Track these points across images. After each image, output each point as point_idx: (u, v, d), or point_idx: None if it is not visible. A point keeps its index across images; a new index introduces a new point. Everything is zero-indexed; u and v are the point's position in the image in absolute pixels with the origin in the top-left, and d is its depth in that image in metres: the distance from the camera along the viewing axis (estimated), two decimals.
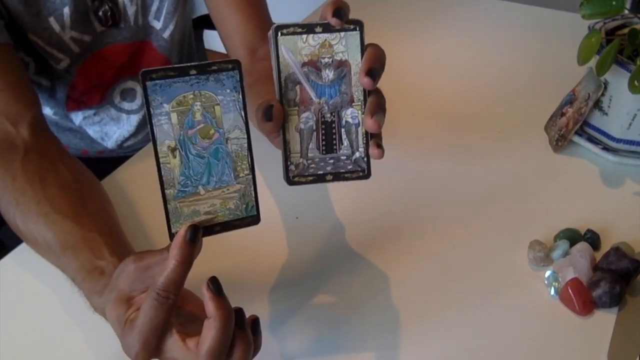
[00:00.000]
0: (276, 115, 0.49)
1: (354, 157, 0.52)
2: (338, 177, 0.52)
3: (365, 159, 0.52)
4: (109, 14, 0.81)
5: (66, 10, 0.77)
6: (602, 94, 0.77)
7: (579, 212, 0.70)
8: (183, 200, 0.46)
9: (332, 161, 0.52)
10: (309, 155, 0.52)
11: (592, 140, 0.80)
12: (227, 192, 0.48)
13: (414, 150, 0.81)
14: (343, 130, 0.52)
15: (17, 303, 0.62)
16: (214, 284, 0.45)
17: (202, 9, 1.08)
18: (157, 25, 0.87)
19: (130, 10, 0.83)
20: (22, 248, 0.65)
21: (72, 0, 0.77)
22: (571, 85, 0.84)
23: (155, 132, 0.45)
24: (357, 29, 0.50)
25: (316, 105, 0.51)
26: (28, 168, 0.63)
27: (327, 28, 0.49)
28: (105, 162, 0.87)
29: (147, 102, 0.44)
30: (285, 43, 0.49)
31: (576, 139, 0.80)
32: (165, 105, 0.45)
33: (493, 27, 1.11)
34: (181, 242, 0.45)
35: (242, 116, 0.47)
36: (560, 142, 0.80)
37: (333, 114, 0.51)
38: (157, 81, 0.44)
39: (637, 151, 0.78)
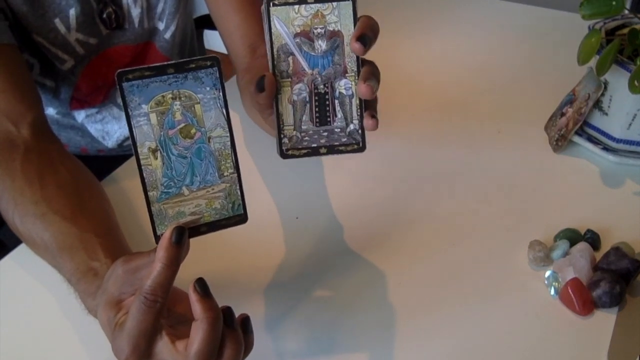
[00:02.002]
0: (269, 85, 0.49)
1: (348, 130, 0.51)
2: (332, 150, 0.52)
3: (360, 131, 0.51)
4: (113, 16, 0.81)
5: (72, 12, 0.77)
6: (602, 94, 0.77)
7: (579, 212, 0.70)
8: (167, 201, 0.46)
9: (326, 134, 0.51)
10: (303, 127, 0.51)
11: (592, 140, 0.80)
12: (212, 192, 0.47)
13: (414, 150, 0.81)
14: (337, 101, 0.51)
15: (17, 303, 0.62)
16: (201, 286, 0.45)
17: (201, 9, 1.08)
18: (160, 26, 0.87)
19: (135, 12, 0.83)
20: (22, 248, 0.65)
21: (78, 2, 0.77)
22: (571, 85, 0.84)
23: (134, 133, 0.44)
24: None
25: (309, 76, 0.50)
26: (28, 168, 0.63)
27: None
28: (105, 161, 0.87)
29: (124, 104, 0.43)
30: (277, 14, 0.49)
31: (576, 139, 0.80)
32: (143, 105, 0.44)
33: (493, 27, 1.11)
34: (167, 245, 0.44)
35: (223, 114, 0.46)
36: (560, 142, 0.80)
37: (326, 85, 0.51)
38: (133, 82, 0.43)
39: (637, 151, 0.78)
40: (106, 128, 0.93)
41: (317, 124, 0.51)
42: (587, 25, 0.78)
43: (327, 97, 0.51)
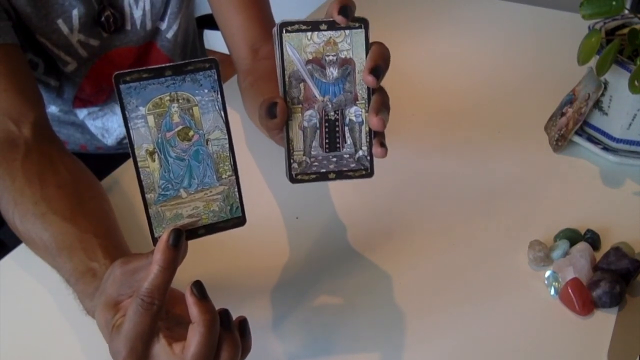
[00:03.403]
0: (280, 113, 0.49)
1: (357, 156, 0.52)
2: (341, 175, 0.52)
3: (369, 157, 0.52)
4: (111, 19, 0.81)
5: (75, 13, 0.77)
6: (602, 94, 0.77)
7: (579, 212, 0.70)
8: (165, 204, 0.46)
9: (335, 159, 0.52)
10: (312, 153, 0.51)
11: (592, 140, 0.80)
12: (210, 195, 0.47)
13: (414, 150, 0.81)
14: (346, 128, 0.51)
15: (17, 303, 0.62)
16: (197, 288, 0.45)
17: (202, 9, 1.08)
18: (162, 25, 0.87)
19: (137, 14, 0.83)
20: (22, 248, 0.65)
21: (81, 3, 0.77)
22: (571, 85, 0.84)
23: (132, 135, 0.44)
24: (362, 27, 0.49)
25: (320, 103, 0.51)
26: (28, 168, 0.63)
27: (332, 26, 0.49)
28: (105, 159, 0.87)
29: (122, 106, 0.43)
30: (290, 40, 0.49)
31: (576, 139, 0.80)
32: (141, 108, 0.44)
33: (493, 27, 1.11)
34: (164, 247, 0.44)
35: (221, 116, 0.46)
36: (560, 142, 0.80)
37: (337, 112, 0.51)
38: (131, 84, 0.43)
39: (637, 151, 0.78)
40: (106, 125, 0.93)
41: (327, 150, 0.52)
42: (587, 25, 0.78)
43: (337, 123, 0.51)
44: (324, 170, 0.52)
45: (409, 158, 0.80)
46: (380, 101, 0.50)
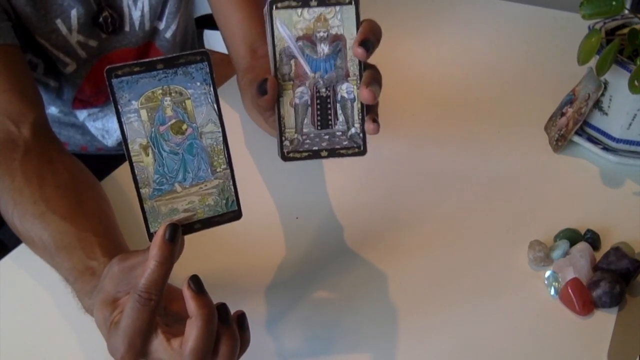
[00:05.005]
0: (271, 89, 0.49)
1: (349, 133, 0.51)
2: (333, 153, 0.52)
3: (361, 134, 0.52)
4: (109, 20, 0.81)
5: (73, 13, 0.77)
6: (602, 94, 0.77)
7: (579, 212, 0.70)
8: (160, 198, 0.45)
9: (327, 137, 0.51)
10: (304, 130, 0.51)
11: (592, 140, 0.80)
12: (205, 188, 0.47)
13: (414, 149, 0.81)
14: (338, 105, 0.51)
15: (17, 303, 0.61)
16: (195, 283, 0.44)
17: (202, 9, 1.08)
18: (160, 25, 0.87)
19: (136, 15, 0.83)
20: (22, 248, 0.65)
21: (80, 3, 0.77)
22: (571, 85, 0.84)
23: (125, 130, 0.44)
24: (353, 2, 0.49)
25: (311, 79, 0.50)
26: (27, 168, 0.63)
27: (322, 2, 0.49)
28: (105, 160, 0.87)
29: (114, 100, 0.43)
30: (280, 16, 0.48)
31: (576, 139, 0.80)
32: (133, 102, 0.43)
33: (493, 27, 1.11)
34: (160, 242, 0.44)
35: (215, 109, 0.46)
36: (560, 142, 0.80)
37: (328, 89, 0.51)
38: (122, 78, 0.43)
39: (637, 151, 0.78)
40: (106, 126, 0.93)
41: (319, 127, 0.51)
42: (587, 25, 0.78)
43: (328, 100, 0.51)
44: (316, 148, 0.51)
45: (409, 158, 0.80)
46: (371, 75, 0.50)
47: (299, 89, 0.50)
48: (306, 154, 0.51)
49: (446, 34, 1.09)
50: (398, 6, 1.18)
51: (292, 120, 0.51)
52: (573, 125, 0.79)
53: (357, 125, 0.51)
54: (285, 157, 0.51)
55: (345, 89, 0.51)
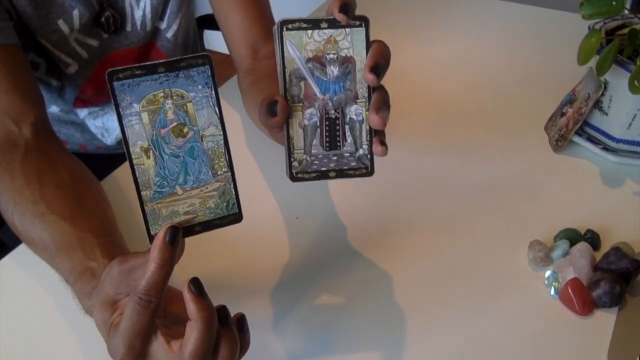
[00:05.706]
0: (281, 110, 0.49)
1: (357, 154, 0.52)
2: (341, 174, 0.52)
3: (369, 156, 0.52)
4: (111, 20, 0.81)
5: (75, 13, 0.77)
6: (602, 94, 0.77)
7: (579, 212, 0.70)
8: (160, 201, 0.45)
9: (335, 158, 0.52)
10: (313, 151, 0.51)
11: (592, 140, 0.80)
12: (206, 191, 0.47)
13: (414, 150, 0.81)
14: (347, 126, 0.51)
15: (17, 303, 0.62)
16: (195, 285, 0.44)
17: (202, 9, 1.08)
18: (162, 25, 0.87)
19: (137, 15, 0.83)
20: (22, 248, 0.65)
21: (82, 3, 0.77)
22: (571, 85, 0.84)
23: (126, 133, 0.44)
24: (363, 25, 0.49)
25: (320, 101, 0.51)
26: (27, 168, 0.63)
27: (332, 24, 0.49)
28: (105, 160, 0.87)
29: (115, 103, 0.43)
30: (290, 38, 0.49)
31: (576, 139, 0.80)
32: (135, 105, 0.43)
33: (493, 27, 1.11)
34: (160, 245, 0.44)
35: (216, 112, 0.46)
36: (560, 142, 0.80)
37: (337, 111, 0.51)
38: (124, 81, 0.43)
39: (637, 151, 0.78)
40: (106, 125, 0.93)
41: (327, 149, 0.52)
42: (587, 25, 0.78)
43: (337, 122, 0.51)
44: (324, 169, 0.52)
45: (409, 158, 0.80)
46: (380, 99, 0.50)
47: (308, 111, 0.51)
48: (314, 174, 0.52)
49: (446, 33, 1.09)
50: (397, 6, 1.18)
51: (300, 141, 0.51)
52: (573, 125, 0.79)
53: (365, 146, 0.52)
54: (293, 178, 0.51)
55: (354, 111, 0.51)
